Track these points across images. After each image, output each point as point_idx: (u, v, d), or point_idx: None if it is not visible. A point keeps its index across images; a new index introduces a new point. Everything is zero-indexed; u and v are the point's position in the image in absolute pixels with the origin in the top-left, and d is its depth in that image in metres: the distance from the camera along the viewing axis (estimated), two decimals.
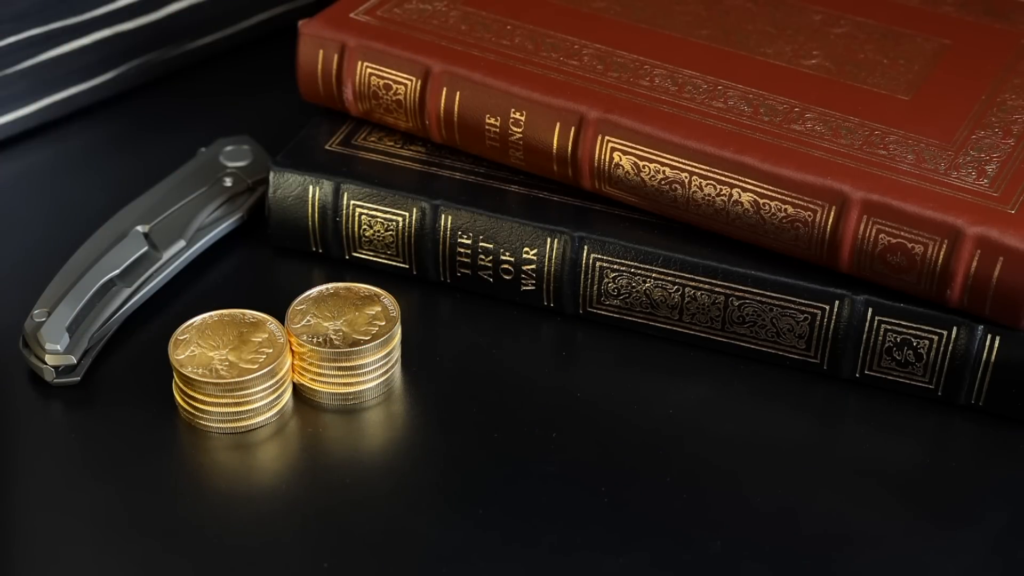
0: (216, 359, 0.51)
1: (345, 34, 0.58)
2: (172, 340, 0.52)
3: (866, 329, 0.52)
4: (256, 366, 0.51)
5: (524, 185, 0.57)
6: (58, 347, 0.52)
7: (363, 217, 0.57)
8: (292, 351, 0.53)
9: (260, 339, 0.52)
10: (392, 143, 0.59)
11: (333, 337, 0.52)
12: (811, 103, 0.55)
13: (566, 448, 0.51)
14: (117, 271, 0.56)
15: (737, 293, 0.53)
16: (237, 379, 0.51)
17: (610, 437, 0.52)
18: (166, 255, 0.57)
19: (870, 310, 0.52)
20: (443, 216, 0.56)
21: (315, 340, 0.52)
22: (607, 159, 0.55)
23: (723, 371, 0.55)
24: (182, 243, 0.58)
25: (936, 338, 0.52)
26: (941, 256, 0.50)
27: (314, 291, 0.54)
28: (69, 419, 0.52)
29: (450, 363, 0.55)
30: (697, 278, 0.54)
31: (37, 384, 0.53)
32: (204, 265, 0.59)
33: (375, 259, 0.58)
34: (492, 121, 0.56)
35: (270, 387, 0.51)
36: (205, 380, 0.51)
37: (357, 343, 0.52)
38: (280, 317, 0.53)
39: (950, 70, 0.58)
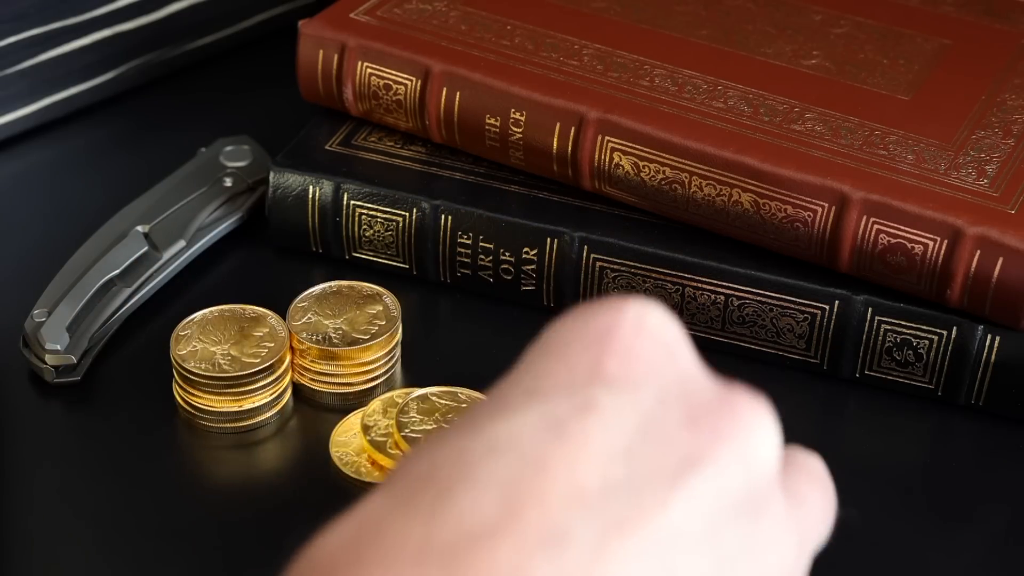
0: (218, 354, 0.51)
1: (345, 34, 0.58)
2: (173, 336, 0.52)
3: (866, 329, 0.52)
4: (259, 360, 0.51)
5: (524, 185, 0.57)
6: (58, 347, 0.52)
7: (363, 217, 0.57)
8: (292, 348, 0.53)
9: (261, 333, 0.52)
10: (392, 143, 0.59)
11: (333, 335, 0.52)
12: (811, 103, 0.55)
13: None
14: (117, 271, 0.56)
15: (737, 293, 0.53)
16: (239, 373, 0.51)
17: None
18: (166, 255, 0.57)
19: (870, 310, 0.52)
20: (443, 216, 0.56)
21: (315, 338, 0.52)
22: (607, 159, 0.55)
23: (723, 371, 0.54)
24: (182, 243, 0.58)
25: (936, 338, 0.52)
26: (941, 256, 0.50)
27: (316, 288, 0.54)
28: (69, 419, 0.52)
29: (450, 363, 0.55)
30: (697, 278, 0.54)
31: (37, 384, 0.53)
32: (204, 265, 0.59)
33: (375, 259, 0.58)
34: (492, 121, 0.56)
35: (272, 381, 0.51)
36: (207, 375, 0.51)
37: (357, 342, 0.52)
38: (281, 317, 0.53)
39: (950, 70, 0.58)
